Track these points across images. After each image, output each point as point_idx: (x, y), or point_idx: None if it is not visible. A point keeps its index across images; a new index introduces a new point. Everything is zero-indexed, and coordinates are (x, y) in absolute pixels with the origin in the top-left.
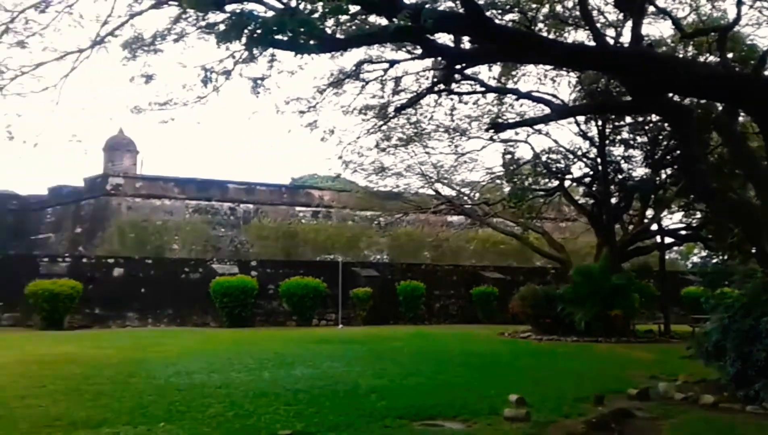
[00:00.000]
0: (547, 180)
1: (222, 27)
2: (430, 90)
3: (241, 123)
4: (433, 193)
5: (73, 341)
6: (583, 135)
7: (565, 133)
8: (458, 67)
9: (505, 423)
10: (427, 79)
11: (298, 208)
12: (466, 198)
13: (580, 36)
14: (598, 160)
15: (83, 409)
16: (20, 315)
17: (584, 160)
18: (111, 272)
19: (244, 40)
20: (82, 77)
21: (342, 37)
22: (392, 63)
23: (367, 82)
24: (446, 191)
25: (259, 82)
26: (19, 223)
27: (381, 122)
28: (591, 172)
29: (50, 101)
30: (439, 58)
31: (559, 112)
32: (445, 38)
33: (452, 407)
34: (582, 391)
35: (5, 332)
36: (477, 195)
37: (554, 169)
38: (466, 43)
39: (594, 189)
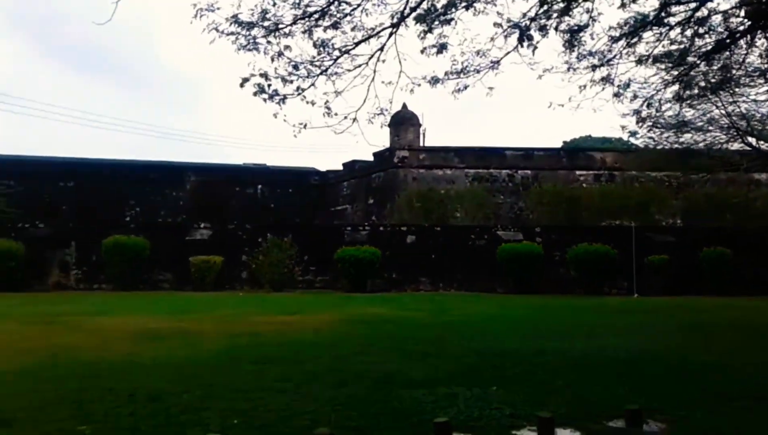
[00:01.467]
0: None
1: None
2: (753, 27)
3: (509, 88)
4: (743, 147)
5: (379, 303)
6: None
7: None
8: None
9: None
10: (737, 17)
11: (578, 172)
12: None
13: None
14: None
15: (415, 368)
16: (329, 278)
17: None
18: (404, 239)
19: None
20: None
21: None
22: (702, 2)
23: (670, 27)
24: (760, 145)
25: (574, 34)
26: (320, 196)
27: (681, 71)
28: None
29: (363, 77)
30: None
31: None
32: None
33: None
34: None
35: (320, 294)
36: None
37: None
38: None
39: None
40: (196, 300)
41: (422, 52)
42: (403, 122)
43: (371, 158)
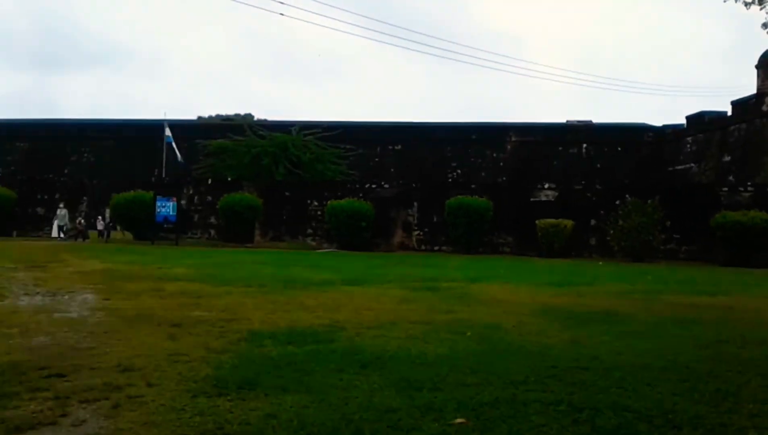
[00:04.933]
0: None
1: None
2: None
3: None
4: None
5: None
6: None
7: None
8: None
9: None
10: None
11: None
12: None
13: None
14: None
15: None
16: (696, 248)
17: None
18: None
19: None
20: None
21: None
22: None
23: None
24: None
25: None
26: (655, 154)
27: None
28: None
29: None
30: None
31: None
32: None
33: None
34: None
35: (697, 268)
36: None
37: None
38: None
39: None
40: (559, 268)
41: None
42: None
43: (724, 109)
